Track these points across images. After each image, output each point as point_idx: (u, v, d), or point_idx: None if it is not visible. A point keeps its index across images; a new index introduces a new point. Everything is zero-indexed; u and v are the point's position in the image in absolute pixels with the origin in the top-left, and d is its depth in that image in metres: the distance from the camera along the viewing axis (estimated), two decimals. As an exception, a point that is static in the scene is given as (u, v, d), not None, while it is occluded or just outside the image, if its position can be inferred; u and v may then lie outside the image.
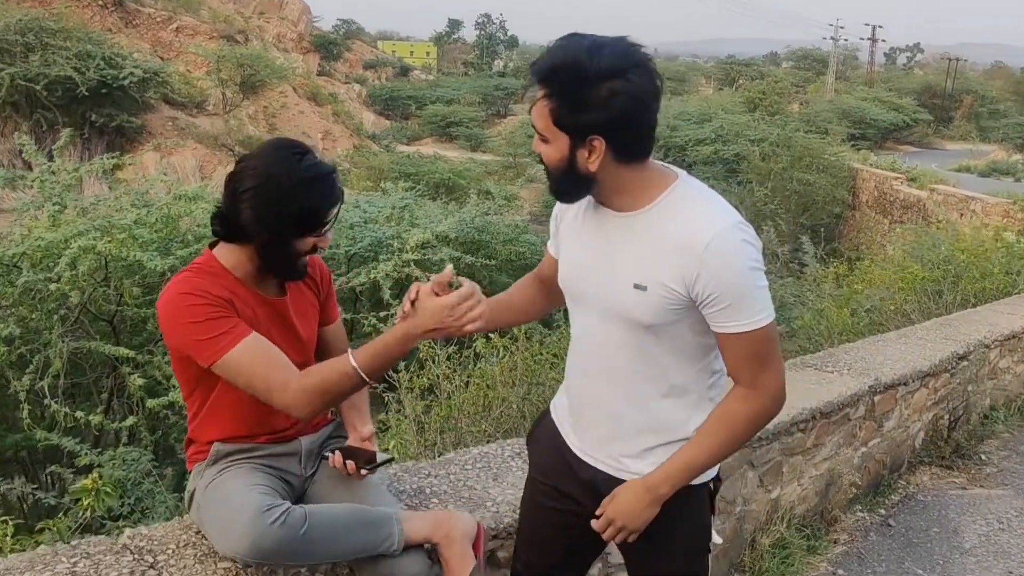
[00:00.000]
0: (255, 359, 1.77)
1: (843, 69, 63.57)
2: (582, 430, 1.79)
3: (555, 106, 1.51)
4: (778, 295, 5.70)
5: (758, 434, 3.05)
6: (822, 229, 16.14)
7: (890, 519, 3.77)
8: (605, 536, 1.70)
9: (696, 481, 1.70)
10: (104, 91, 21.61)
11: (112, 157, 7.15)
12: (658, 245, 1.56)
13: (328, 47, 47.28)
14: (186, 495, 1.97)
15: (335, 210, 1.88)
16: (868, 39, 63.19)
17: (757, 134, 24.47)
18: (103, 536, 1.89)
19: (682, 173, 1.64)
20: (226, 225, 1.86)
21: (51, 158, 6.81)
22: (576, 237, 1.73)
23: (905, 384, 4.02)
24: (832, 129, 30.21)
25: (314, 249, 1.91)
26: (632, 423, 1.70)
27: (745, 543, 3.20)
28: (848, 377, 3.80)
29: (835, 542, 3.51)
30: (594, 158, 1.52)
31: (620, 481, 1.70)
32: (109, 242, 4.91)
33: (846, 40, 63.54)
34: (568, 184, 1.60)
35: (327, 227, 1.89)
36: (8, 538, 2.44)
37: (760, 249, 1.59)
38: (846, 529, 3.62)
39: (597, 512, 1.70)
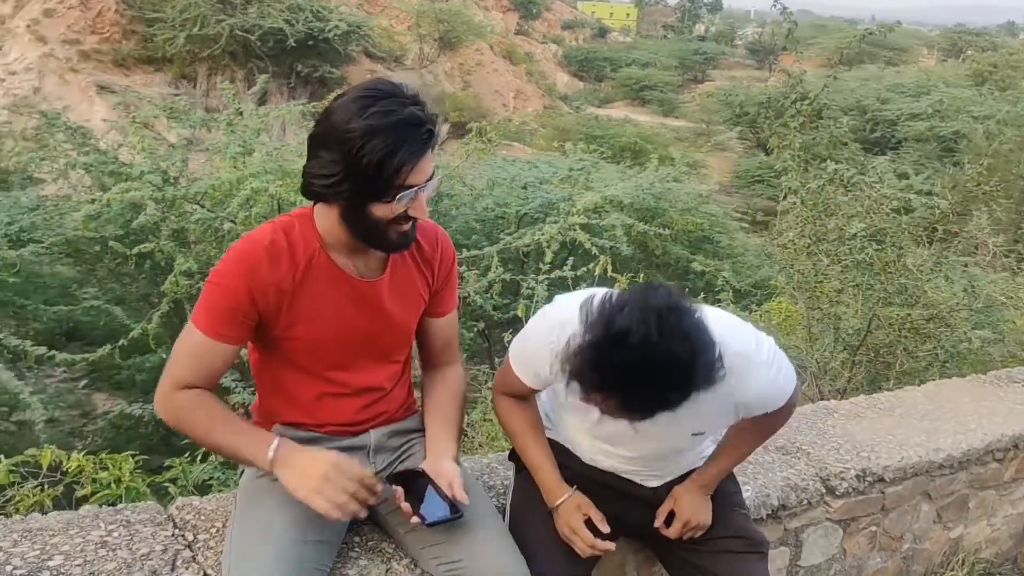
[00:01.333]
0: (184, 345, 1.58)
1: (1097, 41, 55.95)
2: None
3: None
4: (985, 293, 4.96)
5: (939, 462, 2.60)
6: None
7: (1104, 576, 3.14)
8: (683, 536, 1.83)
9: None
10: (310, 43, 22.77)
11: (299, 103, 7.41)
12: None
13: (527, 6, 47.35)
14: (239, 472, 1.82)
15: (410, 170, 1.47)
16: None
17: (983, 111, 21.92)
18: (151, 503, 1.80)
19: None
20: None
21: (262, 102, 7.13)
22: None
23: None
24: (1076, 108, 26.66)
25: (406, 220, 1.55)
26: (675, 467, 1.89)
27: (912, 585, 2.75)
28: (1067, 401, 3.18)
29: (1029, 596, 2.96)
30: None
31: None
32: (280, 185, 5.02)
33: (1105, 8, 55.77)
34: None
35: (406, 192, 1.50)
36: (131, 473, 2.46)
37: None
38: (1045, 582, 3.03)
39: (662, 520, 1.84)
